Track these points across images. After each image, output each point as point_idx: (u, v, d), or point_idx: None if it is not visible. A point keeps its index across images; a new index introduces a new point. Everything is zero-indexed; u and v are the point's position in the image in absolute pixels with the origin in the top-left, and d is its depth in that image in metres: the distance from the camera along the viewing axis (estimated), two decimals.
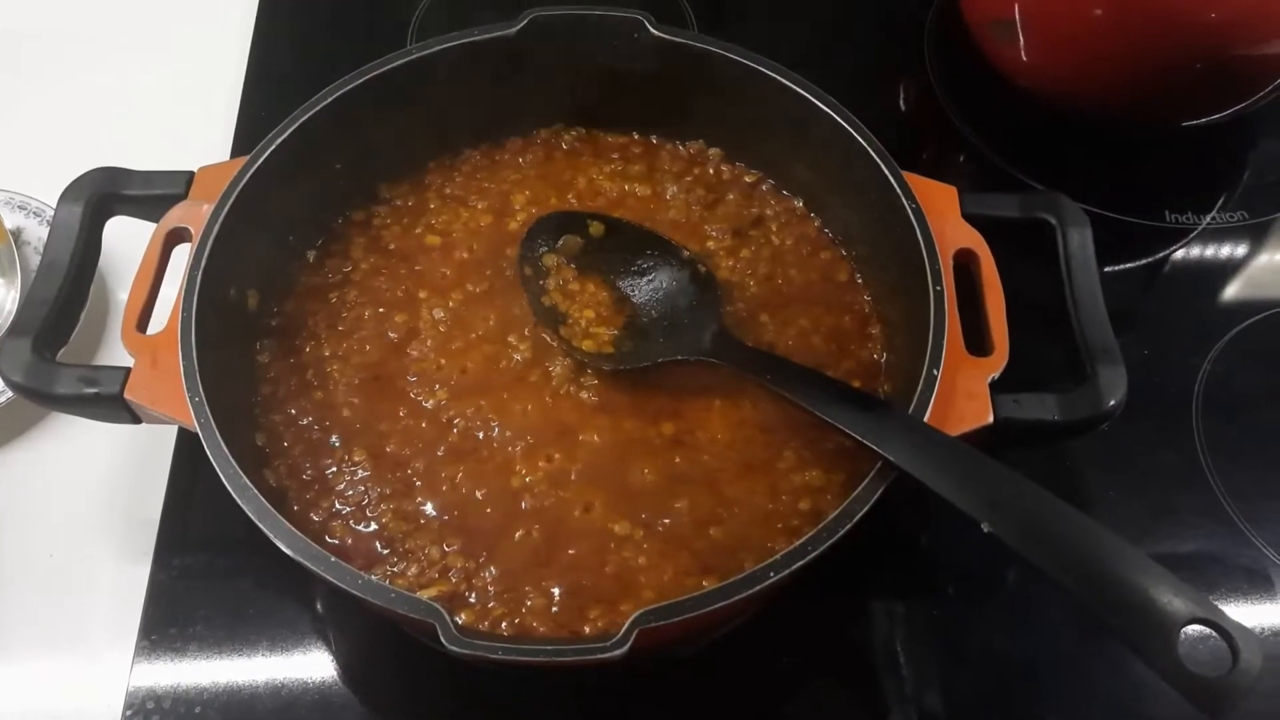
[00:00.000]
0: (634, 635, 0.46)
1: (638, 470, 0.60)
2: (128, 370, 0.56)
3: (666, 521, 0.58)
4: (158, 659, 0.60)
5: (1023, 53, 0.78)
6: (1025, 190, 0.75)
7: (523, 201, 0.70)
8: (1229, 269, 0.76)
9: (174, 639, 0.61)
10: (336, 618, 0.63)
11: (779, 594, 0.58)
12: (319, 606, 0.63)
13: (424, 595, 0.49)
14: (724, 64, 0.67)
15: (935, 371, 0.54)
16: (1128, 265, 0.77)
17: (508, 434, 0.61)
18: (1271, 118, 0.78)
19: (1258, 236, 0.78)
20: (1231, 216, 0.78)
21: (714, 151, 0.73)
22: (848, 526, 0.50)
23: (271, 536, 0.50)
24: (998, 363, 0.56)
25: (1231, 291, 0.75)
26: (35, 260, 0.72)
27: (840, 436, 0.55)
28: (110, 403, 0.56)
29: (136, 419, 0.57)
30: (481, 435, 0.61)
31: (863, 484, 0.51)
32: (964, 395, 0.55)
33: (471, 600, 0.55)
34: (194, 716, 0.59)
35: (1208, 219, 0.78)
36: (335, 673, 0.61)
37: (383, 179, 0.70)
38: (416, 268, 0.67)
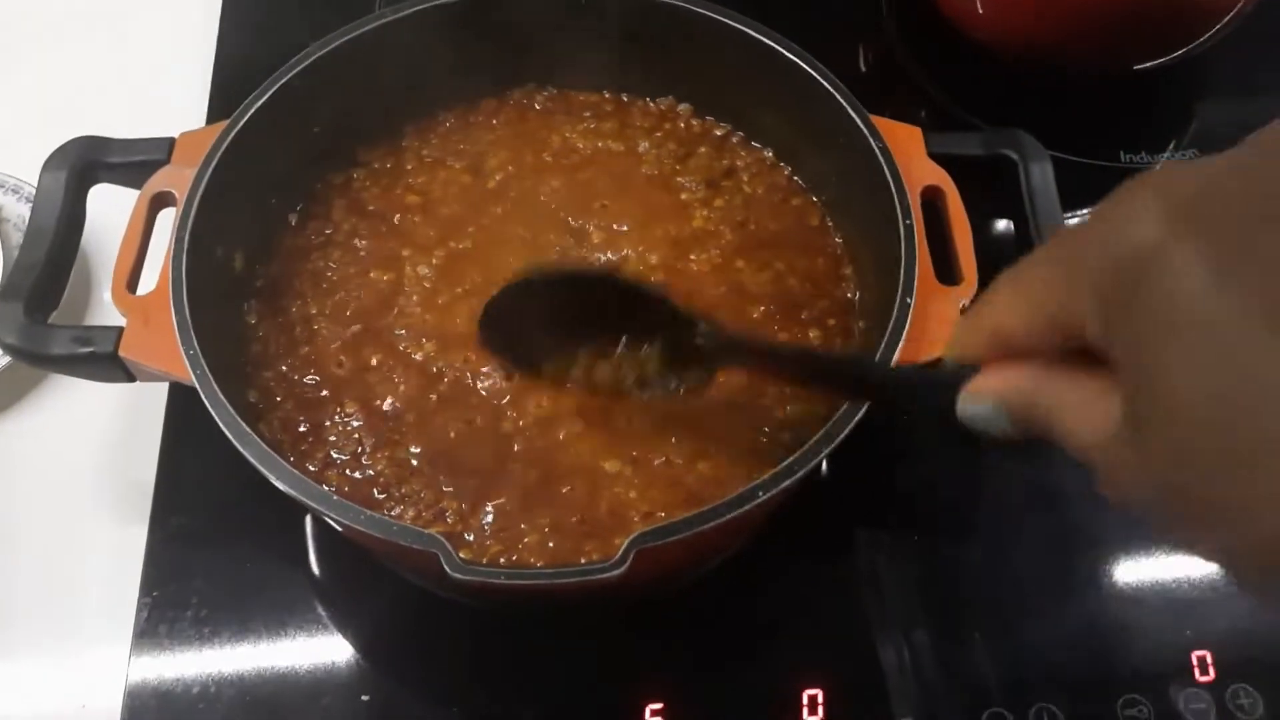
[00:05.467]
0: (631, 556, 0.48)
1: (626, 411, 0.61)
2: (120, 329, 0.57)
3: (655, 459, 0.60)
4: (159, 615, 0.61)
5: (978, 5, 0.80)
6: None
7: (499, 162, 0.71)
8: None
9: (174, 594, 0.62)
10: (333, 573, 0.64)
11: (767, 525, 0.61)
12: (313, 562, 0.64)
13: None
14: (689, 18, 0.68)
15: (909, 300, 0.56)
16: (1087, 207, 0.79)
17: (497, 382, 0.62)
18: (1218, 59, 0.80)
19: None
20: (1184, 155, 0.81)
21: (684, 107, 0.74)
22: (831, 446, 0.51)
23: (273, 479, 0.51)
24: (968, 290, 0.58)
25: None
26: (16, 237, 0.73)
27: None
28: (105, 361, 0.57)
29: (131, 377, 0.58)
30: (471, 384, 0.62)
31: (841, 409, 0.53)
32: (937, 320, 0.57)
33: (469, 539, 0.57)
34: (198, 668, 0.60)
35: (1161, 160, 0.81)
36: (335, 627, 0.62)
37: (360, 142, 0.71)
38: (398, 227, 0.68)
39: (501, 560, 0.56)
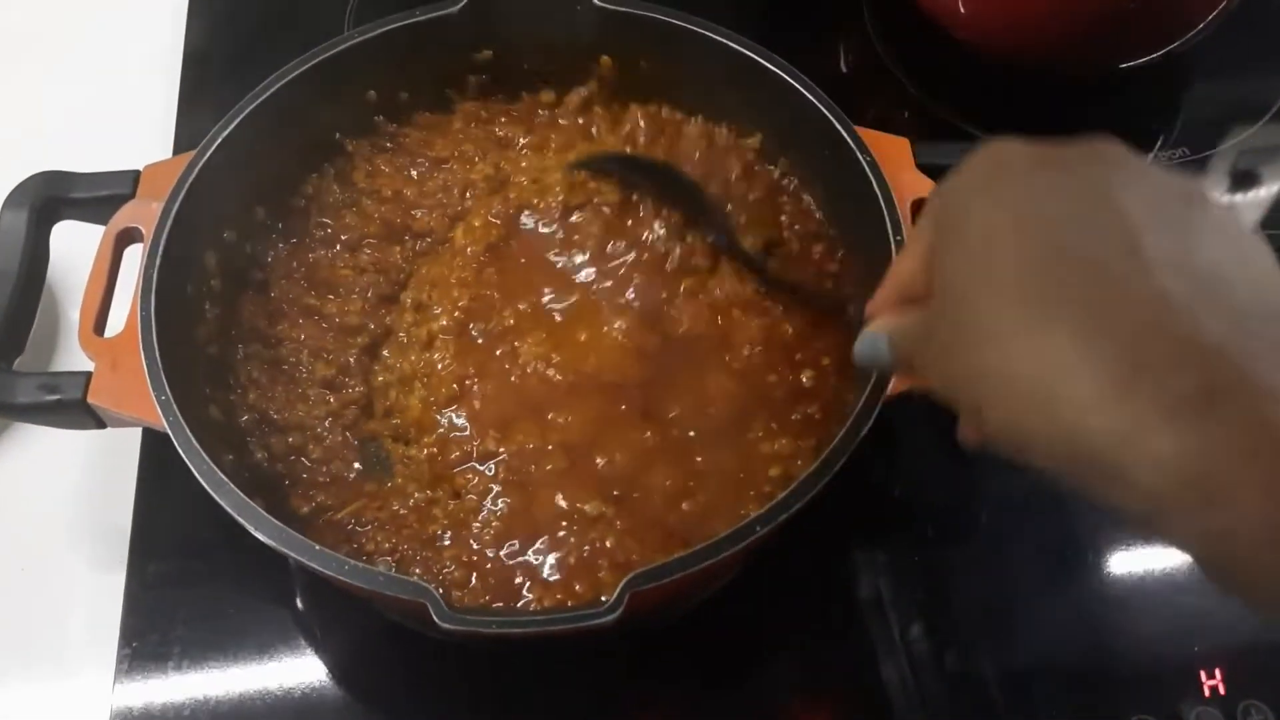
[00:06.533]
0: (626, 599, 0.47)
1: (608, 448, 0.59)
2: (89, 374, 0.55)
3: (637, 497, 0.58)
4: (140, 667, 0.59)
5: (960, 5, 0.79)
6: (973, 140, 0.76)
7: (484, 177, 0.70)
8: None
9: (156, 644, 0.60)
10: (320, 612, 0.62)
11: (761, 554, 0.59)
12: (299, 602, 0.63)
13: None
14: (669, 30, 0.66)
15: None
16: None
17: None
18: (1204, 56, 0.79)
19: (1198, 171, 0.79)
20: (1173, 154, 0.80)
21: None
22: (829, 476, 0.50)
23: (252, 530, 0.49)
24: None
25: None
26: None
27: None
28: (74, 408, 0.55)
29: (101, 423, 0.56)
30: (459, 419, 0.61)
31: (836, 439, 0.52)
32: None
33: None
34: (181, 716, 0.58)
35: (1150, 157, 0.80)
36: (323, 668, 0.60)
37: (333, 163, 0.69)
38: (374, 253, 0.67)
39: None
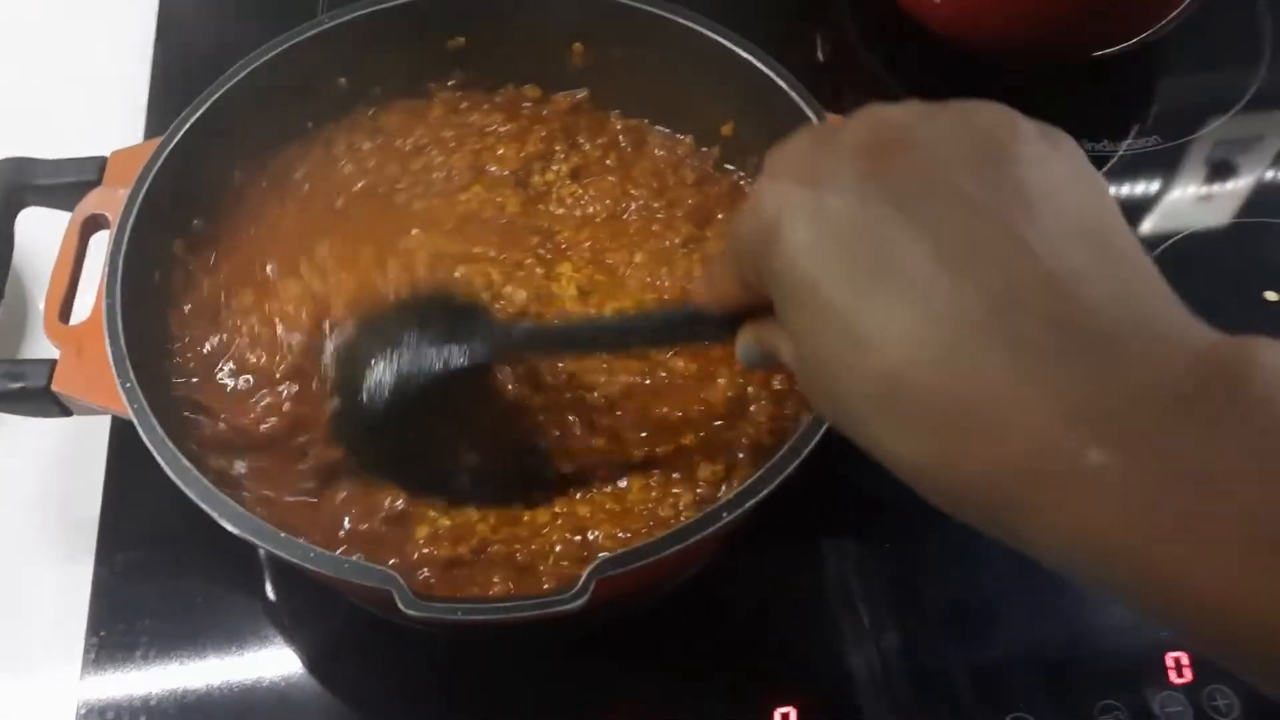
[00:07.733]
0: (593, 585, 0.46)
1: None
2: (53, 362, 0.55)
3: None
4: (107, 658, 0.59)
5: None
6: None
7: (464, 165, 0.69)
8: (1149, 191, 0.78)
9: (123, 635, 0.60)
10: (290, 601, 0.62)
11: (731, 544, 0.59)
12: (269, 592, 0.62)
13: None
14: (642, 17, 0.66)
15: None
16: None
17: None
18: (1176, 45, 0.80)
19: (1172, 159, 0.79)
20: (1146, 142, 0.80)
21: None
22: (798, 460, 0.50)
23: (216, 517, 0.49)
24: None
25: (1153, 212, 0.77)
26: None
27: None
28: (38, 396, 0.55)
29: (67, 411, 0.56)
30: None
31: (804, 425, 0.51)
32: None
33: None
34: (149, 711, 0.58)
35: (1124, 146, 0.80)
36: (293, 658, 0.60)
37: (303, 153, 0.68)
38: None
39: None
